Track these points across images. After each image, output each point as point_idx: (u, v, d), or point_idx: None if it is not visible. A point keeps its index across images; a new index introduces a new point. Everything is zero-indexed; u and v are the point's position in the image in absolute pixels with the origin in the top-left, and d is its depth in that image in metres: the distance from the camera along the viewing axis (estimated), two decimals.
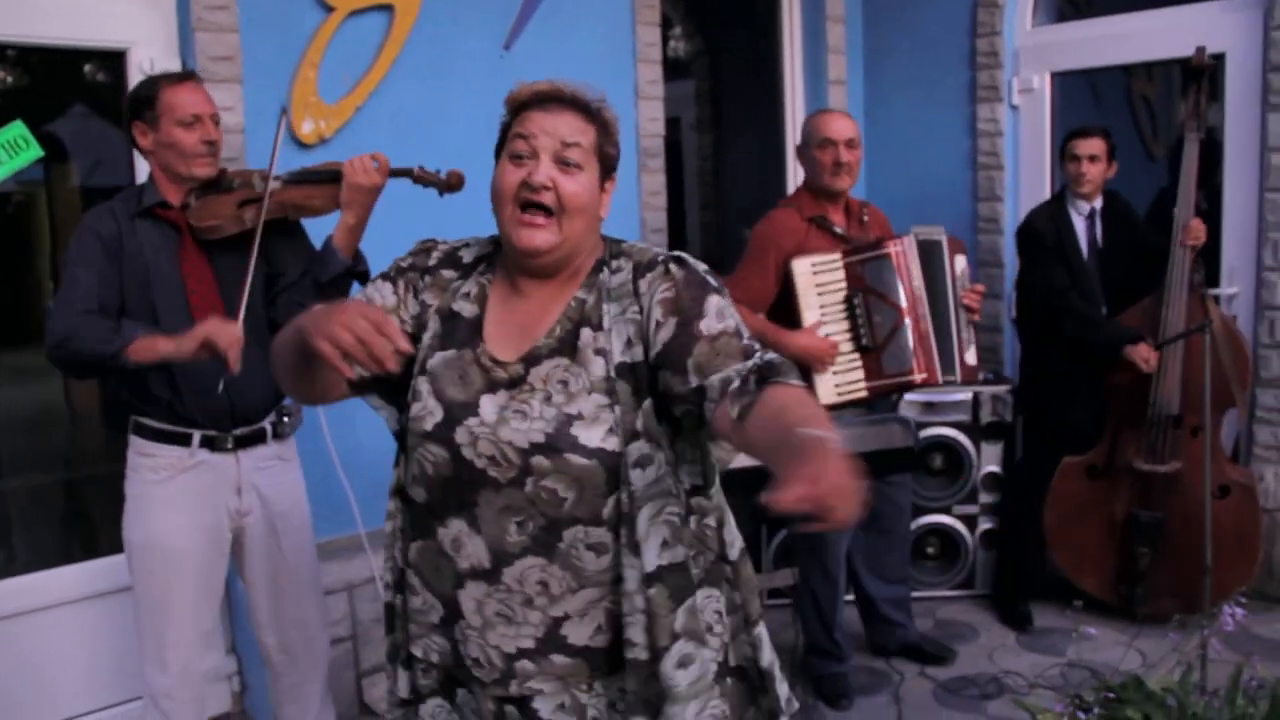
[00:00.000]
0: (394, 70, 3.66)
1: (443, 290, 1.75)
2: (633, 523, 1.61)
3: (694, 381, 1.57)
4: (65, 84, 3.73)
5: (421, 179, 2.71)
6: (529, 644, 1.65)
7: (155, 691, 2.67)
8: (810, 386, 3.28)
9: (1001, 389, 4.32)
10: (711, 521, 1.75)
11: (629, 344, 1.64)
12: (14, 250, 4.13)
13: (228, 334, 2.38)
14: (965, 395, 4.29)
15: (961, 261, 3.51)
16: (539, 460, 1.59)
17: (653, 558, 1.63)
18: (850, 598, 3.79)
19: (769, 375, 1.50)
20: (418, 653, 1.77)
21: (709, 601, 1.71)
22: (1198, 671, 2.73)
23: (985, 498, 4.34)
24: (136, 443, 2.64)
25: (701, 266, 1.69)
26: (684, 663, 1.64)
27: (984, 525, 4.36)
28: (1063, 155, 4.04)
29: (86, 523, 3.78)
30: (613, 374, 1.62)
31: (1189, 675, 2.48)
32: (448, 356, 1.69)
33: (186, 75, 2.67)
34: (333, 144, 3.53)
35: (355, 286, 2.76)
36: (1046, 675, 3.70)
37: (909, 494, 3.84)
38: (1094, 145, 3.94)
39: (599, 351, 1.64)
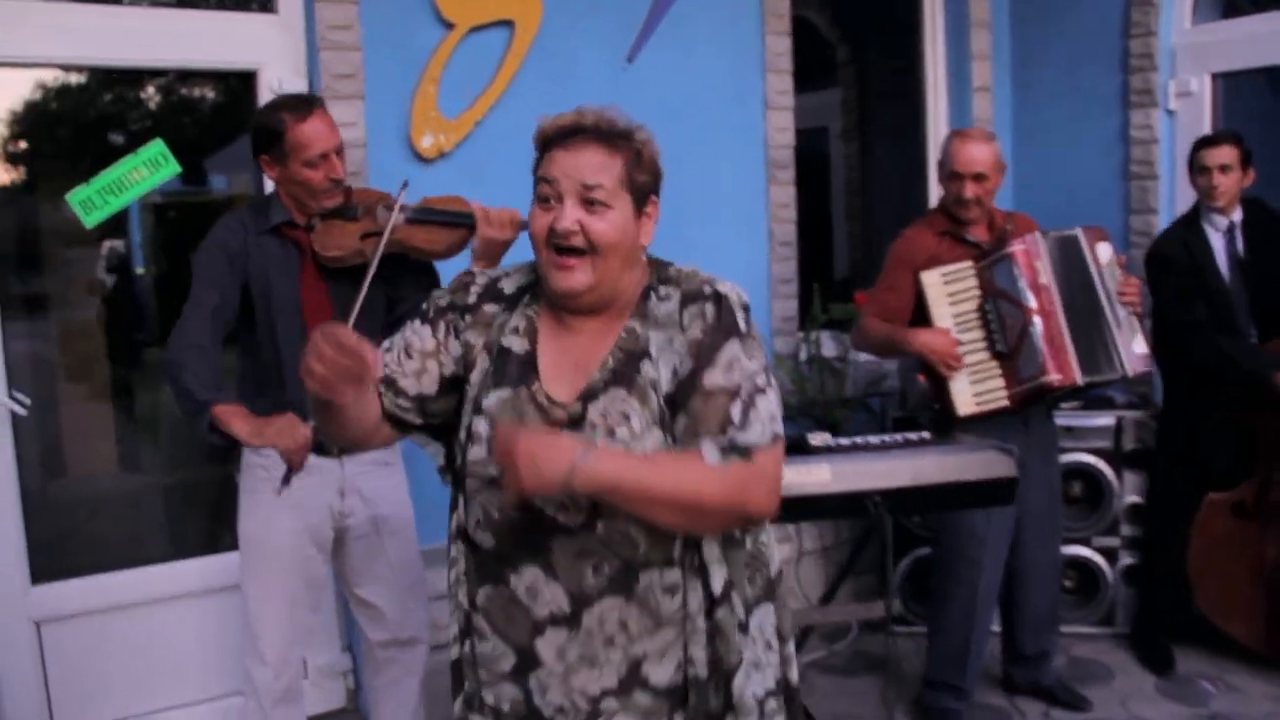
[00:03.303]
0: (514, 85, 3.71)
1: (487, 326, 1.73)
2: (699, 548, 1.63)
3: (685, 437, 1.59)
4: (200, 104, 3.93)
5: None
6: (612, 684, 1.64)
7: (254, 683, 2.78)
8: (947, 396, 3.23)
9: (1146, 414, 4.06)
10: (764, 538, 1.77)
11: (674, 375, 1.62)
12: (173, 253, 4.29)
13: (294, 438, 2.44)
14: (1108, 420, 4.06)
15: (1106, 250, 3.29)
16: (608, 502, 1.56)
17: (719, 582, 1.64)
18: (995, 628, 3.63)
19: (734, 451, 1.56)
20: (489, 699, 1.74)
21: (766, 618, 1.73)
22: None
23: (1127, 530, 4.08)
24: (251, 453, 2.74)
25: (739, 305, 1.66)
26: (749, 680, 1.66)
27: (1125, 560, 4.10)
28: (1191, 168, 3.75)
29: (216, 518, 3.94)
30: (663, 404, 1.61)
31: None
32: (503, 396, 1.67)
33: (311, 105, 2.65)
34: (453, 158, 3.61)
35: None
36: None
37: (1059, 527, 3.62)
38: (1224, 154, 3.63)
39: (652, 384, 1.62)
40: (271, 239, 2.70)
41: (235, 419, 2.47)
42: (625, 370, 1.64)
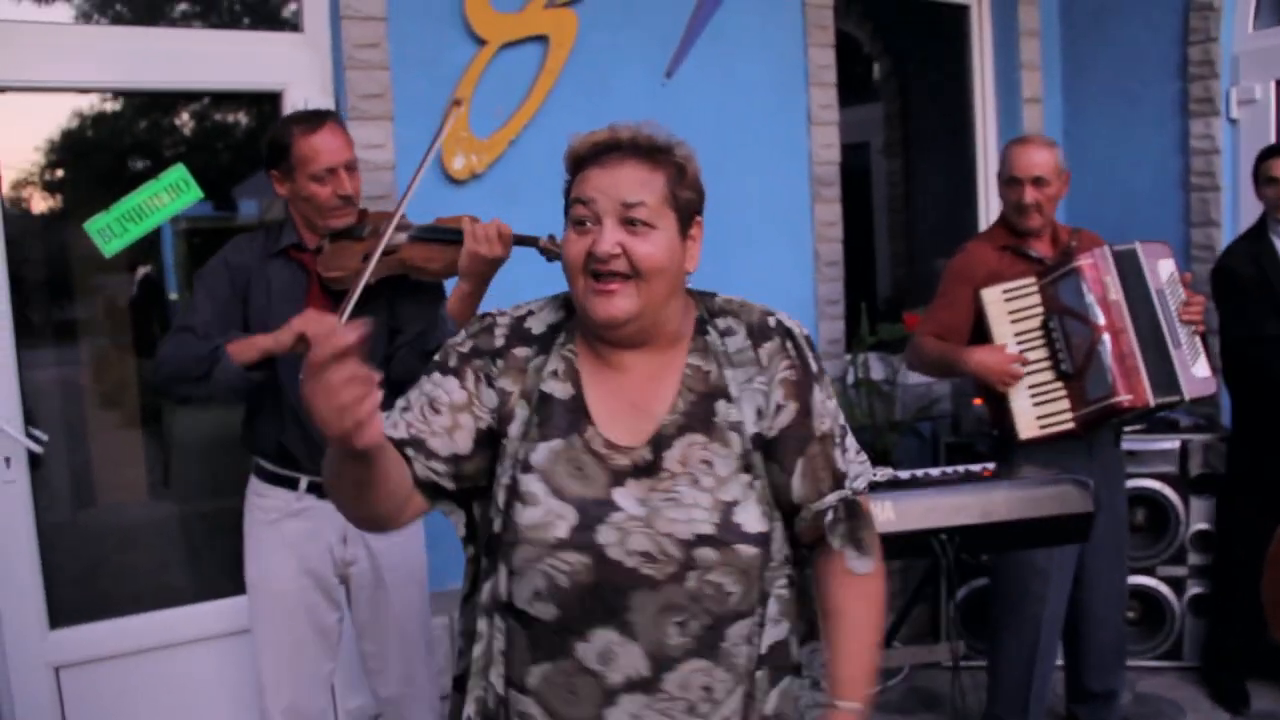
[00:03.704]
0: (549, 102, 3.59)
1: (521, 372, 1.55)
2: (767, 602, 1.53)
3: (797, 492, 1.54)
4: (233, 128, 3.83)
5: (548, 251, 2.47)
6: None
7: None
8: (1007, 418, 3.06)
9: (1214, 437, 3.86)
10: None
11: (759, 415, 1.52)
12: None
13: (324, 325, 2.28)
14: (1172, 444, 3.87)
15: (1167, 266, 3.12)
16: (704, 553, 1.44)
17: (769, 638, 1.53)
18: (1059, 662, 3.43)
19: (853, 513, 1.57)
20: None
21: (800, 683, 1.60)
22: None
23: (1195, 558, 3.90)
24: (253, 482, 2.65)
25: (805, 340, 1.60)
26: None
27: (1193, 589, 3.91)
28: (1257, 179, 3.57)
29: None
30: (749, 446, 1.50)
31: None
32: (554, 448, 1.50)
33: (322, 119, 2.56)
34: (485, 179, 3.49)
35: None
36: None
37: (1125, 558, 3.42)
38: None
39: (733, 425, 1.51)
40: (280, 262, 2.59)
41: (255, 339, 2.38)
42: (699, 412, 1.51)
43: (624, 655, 1.45)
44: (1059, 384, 3.06)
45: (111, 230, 3.06)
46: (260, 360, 2.40)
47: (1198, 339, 3.11)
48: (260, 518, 2.61)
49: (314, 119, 2.56)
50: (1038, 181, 3.13)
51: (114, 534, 3.78)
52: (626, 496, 1.47)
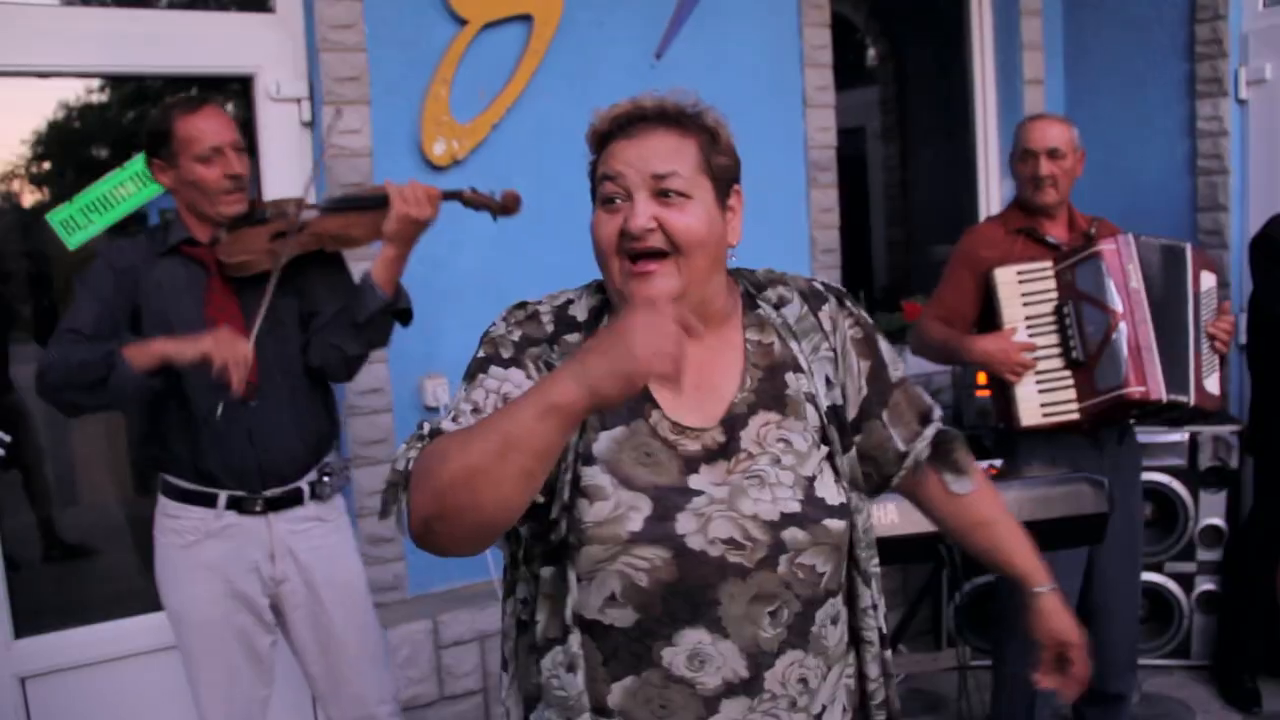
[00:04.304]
0: (533, 84, 3.44)
1: None
2: (869, 581, 1.48)
3: (899, 444, 1.54)
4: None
5: (473, 202, 2.42)
6: None
7: None
8: (1011, 405, 2.94)
9: (1225, 429, 3.74)
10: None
11: (829, 384, 1.46)
12: None
13: (233, 349, 2.15)
14: (1180, 436, 3.75)
15: (1209, 280, 3.01)
16: (793, 534, 1.35)
17: (882, 617, 1.51)
18: None
19: (947, 442, 1.60)
20: None
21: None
22: None
23: (1204, 554, 3.78)
24: (162, 502, 2.46)
25: (852, 298, 1.57)
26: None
27: (1202, 586, 3.79)
28: None
29: None
30: (825, 419, 1.44)
31: None
32: (617, 436, 1.37)
33: (202, 100, 2.43)
34: (467, 165, 3.34)
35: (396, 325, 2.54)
36: None
37: (1139, 558, 3.26)
38: None
39: (808, 398, 1.44)
40: (172, 261, 2.41)
41: (153, 343, 2.20)
42: (769, 388, 1.43)
43: (718, 656, 1.33)
44: (1067, 372, 2.95)
45: (75, 222, 2.93)
46: (160, 368, 2.23)
47: (1216, 358, 2.99)
48: (174, 540, 2.43)
49: (194, 101, 2.42)
50: (1053, 154, 3.02)
51: (98, 533, 3.69)
52: (703, 481, 1.36)
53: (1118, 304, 2.88)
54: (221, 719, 2.48)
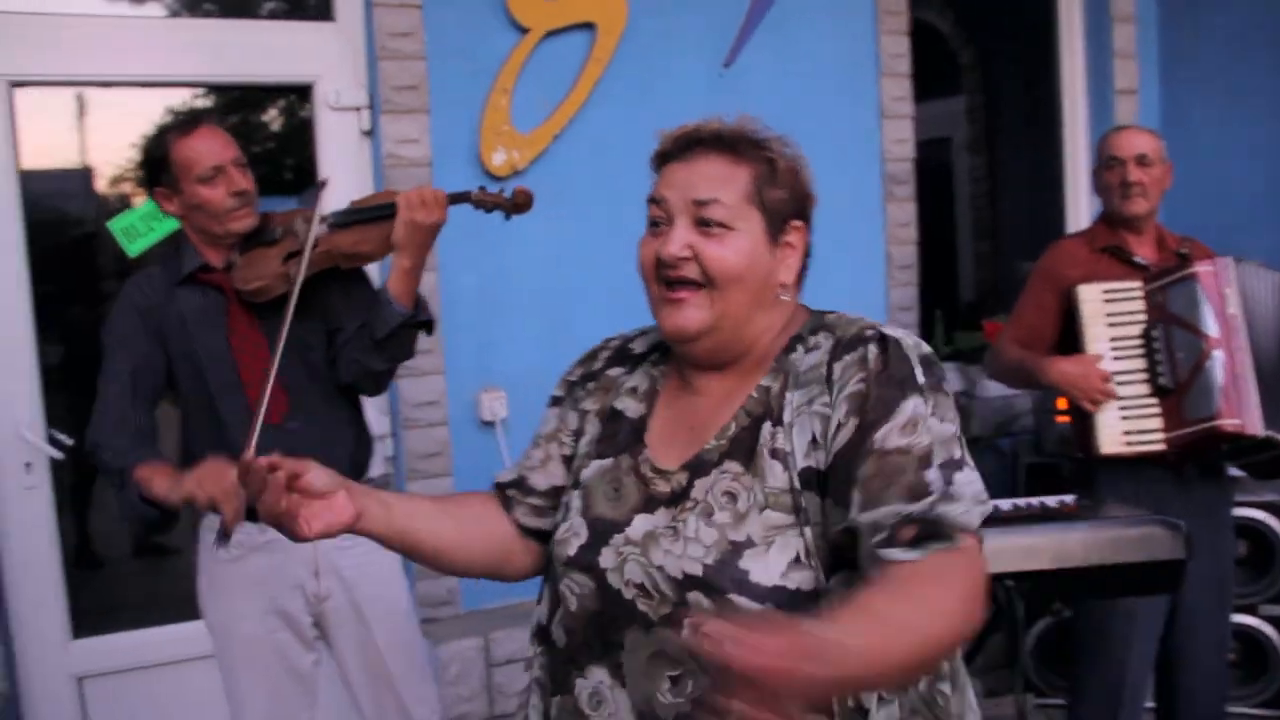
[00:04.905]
0: (596, 94, 3.37)
1: (606, 391, 1.46)
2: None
3: (852, 513, 1.20)
4: (255, 121, 3.69)
5: (482, 202, 2.31)
6: None
7: None
8: (1090, 432, 2.77)
9: None
10: (945, 687, 1.30)
11: (814, 444, 1.26)
12: None
13: (217, 485, 2.02)
14: None
15: None
16: (698, 599, 1.23)
17: None
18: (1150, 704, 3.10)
19: (934, 534, 1.17)
20: None
21: None
22: None
23: None
24: (207, 517, 2.39)
25: (915, 351, 1.28)
26: None
27: None
28: None
29: None
30: (797, 484, 1.24)
31: None
32: (603, 466, 1.39)
33: (197, 121, 2.36)
34: (527, 176, 3.28)
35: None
36: None
37: (1228, 601, 3.03)
38: None
39: (776, 454, 1.26)
40: (189, 291, 2.34)
41: (156, 476, 2.12)
42: (746, 438, 1.30)
43: (612, 703, 1.29)
44: (1153, 400, 2.76)
45: (136, 229, 2.92)
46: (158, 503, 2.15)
47: None
48: (219, 555, 2.35)
49: (188, 123, 2.35)
50: (1141, 160, 2.85)
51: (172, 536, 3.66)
52: (643, 521, 1.32)
53: (1213, 329, 2.69)
54: None
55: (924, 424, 1.21)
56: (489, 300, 3.29)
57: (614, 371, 1.48)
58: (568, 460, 1.48)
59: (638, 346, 1.50)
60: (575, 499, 1.40)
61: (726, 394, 1.35)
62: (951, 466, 1.20)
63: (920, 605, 1.12)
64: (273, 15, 3.25)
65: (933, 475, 1.19)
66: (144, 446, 2.22)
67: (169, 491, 2.10)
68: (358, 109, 3.16)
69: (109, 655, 3.08)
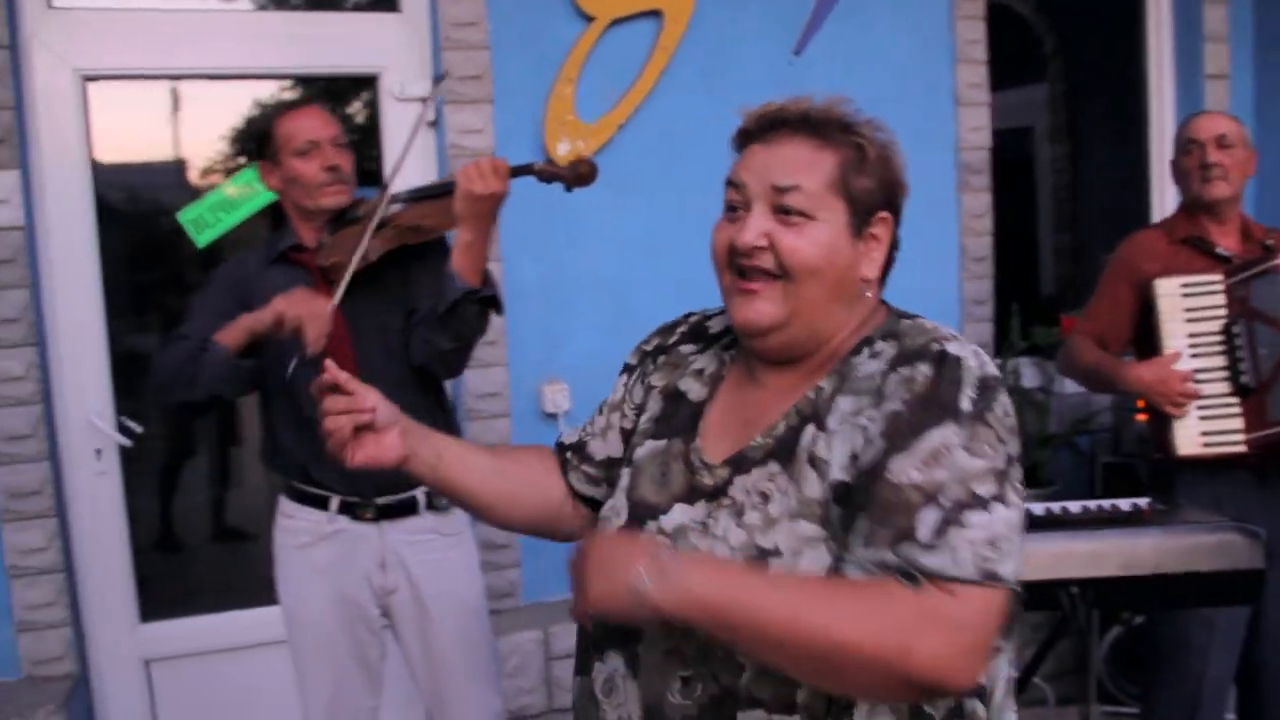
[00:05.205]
0: (662, 83, 3.33)
1: (675, 367, 1.41)
2: (848, 708, 1.17)
3: (851, 540, 1.16)
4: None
5: (544, 173, 2.25)
6: None
7: None
8: (1167, 432, 2.67)
9: None
10: (979, 709, 1.23)
11: (853, 459, 1.18)
12: None
13: (308, 306, 2.14)
14: None
15: None
16: None
17: None
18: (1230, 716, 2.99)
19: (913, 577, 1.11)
20: None
21: None
22: None
23: None
24: (281, 501, 2.47)
25: (974, 374, 1.18)
26: None
27: None
28: None
29: None
30: (828, 495, 1.18)
31: None
32: (656, 447, 1.35)
33: (304, 101, 2.48)
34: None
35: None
36: None
37: None
38: None
39: (814, 460, 1.20)
40: (280, 269, 2.41)
41: (241, 319, 2.22)
42: (789, 440, 1.25)
43: (622, 692, 1.26)
44: (1234, 399, 2.65)
45: (205, 220, 2.97)
46: (249, 344, 2.23)
47: None
48: (290, 541, 2.42)
49: (296, 102, 2.48)
50: (1221, 141, 2.74)
51: (254, 519, 3.71)
52: (679, 513, 1.28)
53: None
54: None
55: (948, 457, 1.13)
56: (553, 292, 3.27)
57: (686, 348, 1.44)
58: (626, 434, 1.45)
59: (715, 325, 1.45)
60: (625, 476, 1.38)
61: (785, 391, 1.30)
62: (964, 507, 1.11)
63: (860, 606, 1.09)
64: (338, 6, 3.26)
65: (928, 519, 1.11)
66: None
67: (254, 320, 2.20)
68: (422, 100, 3.15)
69: (176, 639, 3.13)
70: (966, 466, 1.13)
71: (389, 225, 2.32)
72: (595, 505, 1.46)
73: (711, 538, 1.22)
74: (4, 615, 2.85)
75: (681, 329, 1.47)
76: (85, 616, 3.01)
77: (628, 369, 1.49)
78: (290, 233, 2.45)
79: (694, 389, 1.38)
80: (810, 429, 1.23)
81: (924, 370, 1.18)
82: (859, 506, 1.15)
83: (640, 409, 1.43)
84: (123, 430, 3.00)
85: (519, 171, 2.23)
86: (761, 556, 1.18)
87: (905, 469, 1.13)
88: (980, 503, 1.12)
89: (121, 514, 3.05)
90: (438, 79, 2.31)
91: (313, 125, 2.37)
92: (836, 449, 1.19)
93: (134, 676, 3.08)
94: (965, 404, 1.15)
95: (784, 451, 1.23)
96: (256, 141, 2.44)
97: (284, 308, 2.17)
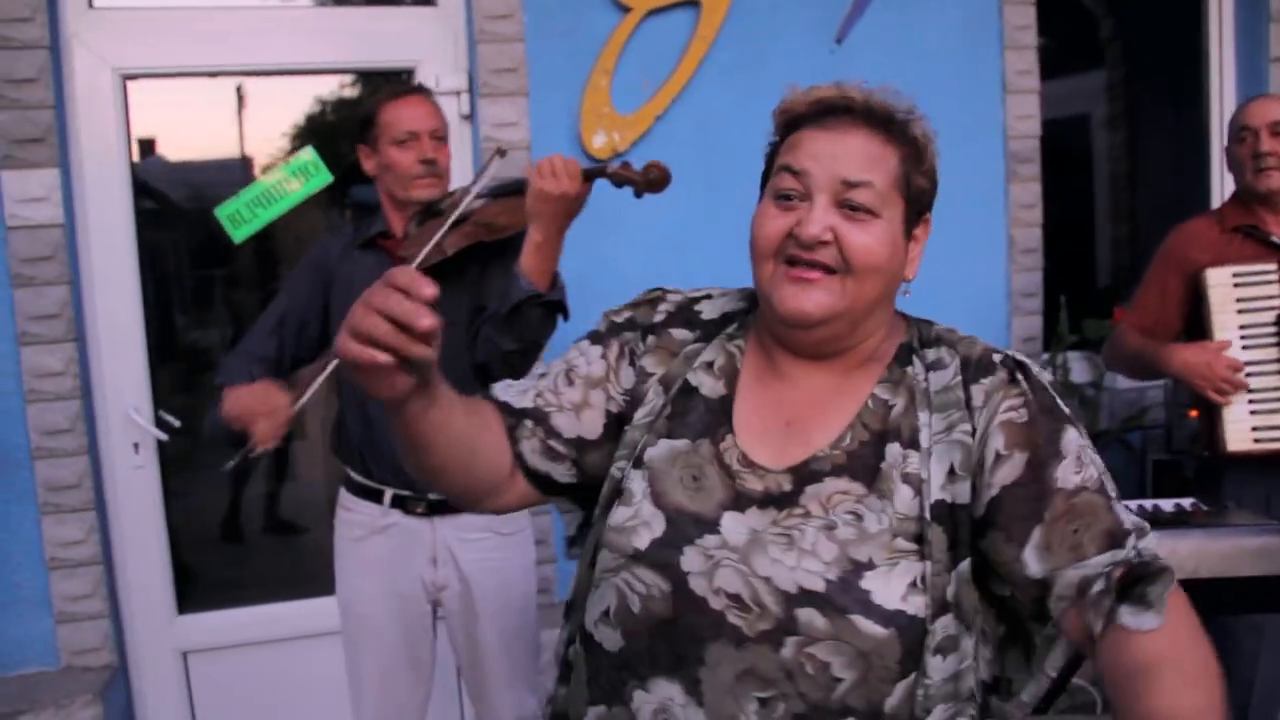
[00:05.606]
0: (700, 74, 3.28)
1: (671, 355, 1.32)
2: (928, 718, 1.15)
3: (1034, 567, 1.15)
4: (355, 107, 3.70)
5: (617, 176, 2.18)
6: None
7: None
8: (1217, 428, 2.59)
9: None
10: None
11: (951, 475, 1.18)
12: None
13: (263, 403, 2.07)
14: None
15: None
16: (810, 616, 1.13)
17: None
18: None
19: (1140, 578, 1.12)
20: None
21: None
22: None
23: None
24: (341, 494, 2.49)
25: (1046, 377, 1.23)
26: None
27: None
28: None
29: None
30: (927, 514, 1.16)
31: None
32: (676, 447, 1.26)
33: (410, 89, 2.45)
34: (628, 158, 3.18)
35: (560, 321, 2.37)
36: None
37: None
38: None
39: (909, 479, 1.18)
40: (366, 254, 2.42)
41: (232, 393, 2.19)
42: (867, 455, 1.21)
43: None
44: None
45: (241, 216, 3.00)
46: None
47: None
48: (347, 533, 2.45)
49: (402, 89, 2.45)
50: (1275, 128, 2.66)
51: (308, 511, 3.74)
52: (737, 522, 1.20)
53: None
54: (373, 716, 2.46)
55: (1087, 455, 1.18)
56: (588, 288, 3.21)
57: (679, 333, 1.35)
58: (616, 420, 1.33)
59: (706, 312, 1.37)
60: (637, 480, 1.25)
61: (829, 392, 1.26)
62: (1109, 491, 1.18)
63: (1196, 685, 1.11)
64: (374, 1, 3.25)
65: (1120, 511, 1.17)
66: (249, 369, 2.29)
67: (223, 409, 2.18)
68: (457, 93, 3.14)
69: (213, 631, 3.16)
70: (1099, 461, 1.19)
71: (469, 220, 2.28)
72: (542, 481, 1.34)
73: (798, 551, 1.16)
74: (43, 606, 2.90)
75: (664, 308, 1.38)
76: (123, 608, 3.05)
77: (598, 338, 1.37)
78: (381, 219, 2.46)
79: (707, 384, 1.30)
80: (895, 448, 1.20)
81: (1017, 377, 1.21)
82: (1012, 519, 1.15)
83: (634, 395, 1.32)
84: (160, 425, 3.03)
85: (592, 174, 2.17)
86: (856, 569, 1.14)
87: (1068, 475, 1.16)
88: (1117, 496, 1.19)
89: (159, 507, 3.08)
90: (500, 152, 2.25)
91: (414, 116, 2.37)
92: (934, 467, 1.18)
93: (171, 668, 3.12)
94: (1064, 406, 1.21)
95: (862, 468, 1.20)
96: (360, 124, 2.44)
97: (231, 408, 2.13)
